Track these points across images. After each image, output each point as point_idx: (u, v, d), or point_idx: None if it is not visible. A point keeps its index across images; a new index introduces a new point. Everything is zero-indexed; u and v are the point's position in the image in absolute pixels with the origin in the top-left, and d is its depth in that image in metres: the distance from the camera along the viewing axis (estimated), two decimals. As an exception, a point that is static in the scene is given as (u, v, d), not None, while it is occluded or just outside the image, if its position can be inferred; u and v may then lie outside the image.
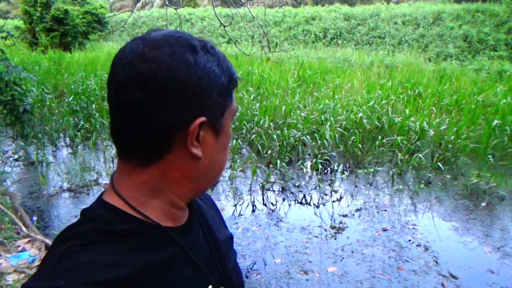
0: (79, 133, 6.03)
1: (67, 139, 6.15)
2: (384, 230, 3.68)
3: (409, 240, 3.50)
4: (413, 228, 3.72)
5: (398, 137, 5.41)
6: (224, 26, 4.63)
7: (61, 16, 13.72)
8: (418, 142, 5.49)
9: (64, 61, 11.01)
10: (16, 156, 5.52)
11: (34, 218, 3.77)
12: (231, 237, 0.80)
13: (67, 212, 3.98)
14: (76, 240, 0.53)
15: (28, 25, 14.41)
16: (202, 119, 0.56)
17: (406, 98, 7.24)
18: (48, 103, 7.29)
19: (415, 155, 5.02)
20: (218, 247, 0.71)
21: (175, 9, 4.62)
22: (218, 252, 0.70)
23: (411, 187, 4.62)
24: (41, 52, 13.05)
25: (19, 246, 3.02)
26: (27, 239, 3.12)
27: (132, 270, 0.53)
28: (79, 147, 5.81)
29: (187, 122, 0.55)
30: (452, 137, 5.49)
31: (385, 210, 4.07)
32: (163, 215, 0.60)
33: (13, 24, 15.22)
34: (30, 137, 5.82)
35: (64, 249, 0.52)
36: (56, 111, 7.01)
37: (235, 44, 5.02)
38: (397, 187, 4.55)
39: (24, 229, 3.27)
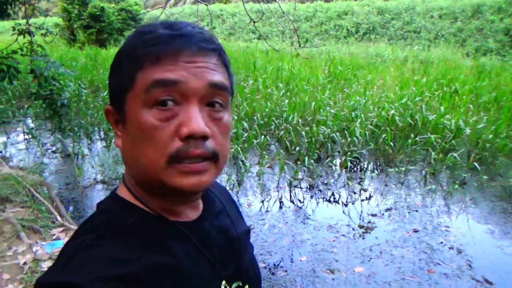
0: (112, 127, 6.21)
1: (102, 133, 6.36)
2: (415, 231, 3.57)
3: (441, 243, 3.38)
4: (446, 230, 3.59)
5: (432, 135, 5.22)
6: (254, 22, 4.62)
7: (98, 13, 14.17)
8: (453, 141, 5.27)
9: (100, 57, 11.37)
10: (53, 148, 5.76)
11: (71, 208, 3.92)
12: (248, 231, 0.78)
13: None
14: (89, 234, 0.54)
15: (66, 23, 14.98)
16: (109, 107, 0.59)
17: (441, 95, 6.97)
18: (84, 97, 7.56)
19: (449, 154, 4.83)
20: (233, 242, 0.69)
21: (206, 5, 4.66)
22: (233, 246, 0.69)
23: (444, 188, 4.46)
24: (78, 49, 13.54)
25: (54, 234, 3.16)
26: (61, 228, 3.26)
27: (142, 267, 0.53)
28: (113, 140, 5.99)
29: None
30: (490, 136, 5.24)
31: (417, 211, 3.94)
32: (163, 210, 0.59)
33: (52, 21, 15.85)
34: (67, 130, 6.05)
35: (77, 243, 0.53)
36: (92, 105, 7.25)
37: (265, 40, 5.00)
38: (429, 187, 4.40)
39: (59, 218, 3.42)
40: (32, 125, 6.87)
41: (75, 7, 14.36)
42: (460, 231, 3.57)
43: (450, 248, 3.30)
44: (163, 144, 0.52)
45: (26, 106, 7.50)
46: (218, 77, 0.55)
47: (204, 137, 0.53)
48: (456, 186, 4.34)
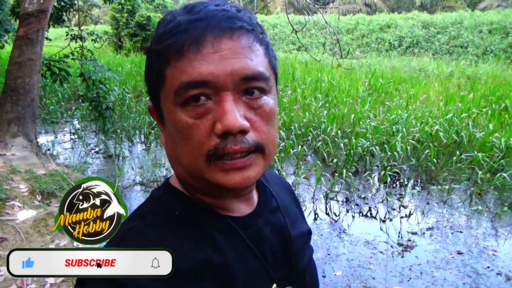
0: (153, 131, 6.38)
1: (142, 136, 6.54)
2: (459, 253, 3.37)
3: (488, 267, 3.17)
4: (493, 254, 3.36)
5: (479, 154, 4.95)
6: (296, 32, 4.62)
7: (144, 22, 14.73)
8: (502, 161, 4.97)
9: (144, 64, 11.78)
10: (97, 149, 5.99)
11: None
12: (309, 233, 0.73)
13: (138, 204, 4.17)
14: (137, 221, 0.53)
15: (115, 30, 15.68)
16: (149, 105, 0.59)
17: (490, 112, 6.63)
18: (127, 102, 7.83)
19: (498, 175, 4.55)
20: (289, 242, 0.64)
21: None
22: (289, 247, 0.63)
23: (492, 209, 4.20)
24: (124, 55, 14.11)
25: (94, 231, 3.25)
26: (101, 226, 3.35)
27: (187, 263, 0.50)
28: (152, 144, 6.14)
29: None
30: (545, 157, 4.91)
31: (461, 232, 3.73)
32: (213, 205, 0.57)
33: (102, 29, 16.66)
34: (110, 132, 6.28)
35: (125, 231, 0.52)
36: (134, 109, 7.49)
37: (306, 50, 4.98)
38: (475, 208, 4.16)
39: (99, 216, 3.51)
40: (78, 126, 7.19)
41: (123, 16, 15.01)
42: (509, 256, 3.33)
43: (498, 274, 3.08)
44: (199, 143, 0.49)
45: (73, 108, 7.88)
46: (250, 63, 0.49)
47: (243, 131, 0.48)
48: (505, 208, 4.07)
